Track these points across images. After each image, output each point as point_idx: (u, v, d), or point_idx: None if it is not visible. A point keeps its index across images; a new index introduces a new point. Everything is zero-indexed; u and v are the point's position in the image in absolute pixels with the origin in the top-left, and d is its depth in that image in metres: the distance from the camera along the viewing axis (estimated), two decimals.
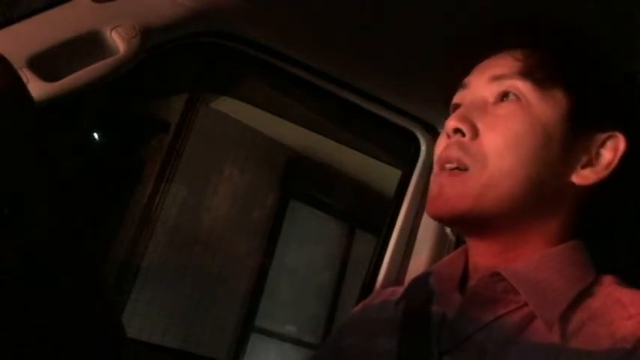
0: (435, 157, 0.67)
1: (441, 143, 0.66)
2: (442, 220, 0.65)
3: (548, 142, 0.61)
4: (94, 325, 0.42)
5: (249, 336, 3.48)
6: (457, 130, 0.63)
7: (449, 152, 0.63)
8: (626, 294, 0.56)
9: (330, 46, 1.07)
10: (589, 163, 0.62)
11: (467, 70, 0.68)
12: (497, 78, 0.64)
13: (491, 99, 0.64)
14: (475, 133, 0.62)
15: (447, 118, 0.70)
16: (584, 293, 0.58)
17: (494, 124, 0.62)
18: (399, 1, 0.93)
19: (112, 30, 0.88)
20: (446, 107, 0.72)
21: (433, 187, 0.65)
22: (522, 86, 0.62)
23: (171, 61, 1.02)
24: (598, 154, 0.62)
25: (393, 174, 1.36)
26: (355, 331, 0.75)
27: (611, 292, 0.57)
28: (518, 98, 0.62)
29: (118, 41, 0.88)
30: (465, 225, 0.66)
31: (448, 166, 0.63)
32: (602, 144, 0.62)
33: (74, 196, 0.42)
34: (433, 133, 1.22)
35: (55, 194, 0.41)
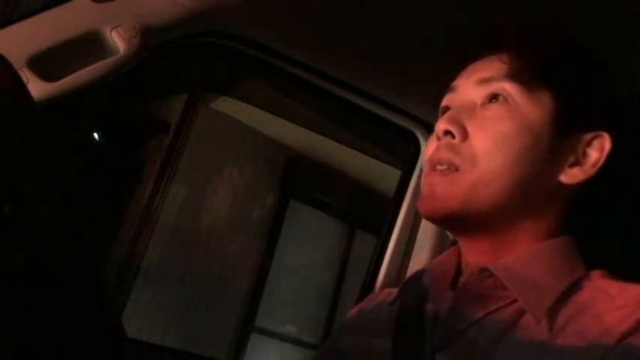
0: (425, 159, 0.68)
1: (431, 145, 0.67)
2: (434, 219, 0.66)
3: (536, 142, 0.62)
4: (94, 325, 0.42)
5: (249, 336, 3.48)
6: (447, 132, 0.64)
7: (439, 154, 0.64)
8: (613, 286, 0.57)
9: (330, 46, 1.07)
10: (576, 163, 0.63)
11: (455, 74, 0.70)
12: (484, 81, 0.65)
13: (479, 101, 0.65)
14: (465, 135, 0.63)
15: None
16: (573, 287, 0.58)
17: (483, 125, 0.63)
18: (399, 1, 0.93)
19: (112, 30, 0.88)
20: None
21: (424, 187, 0.65)
22: (510, 88, 0.63)
23: (171, 61, 1.02)
24: (585, 154, 0.63)
25: (393, 174, 1.37)
26: (354, 332, 0.75)
27: (598, 286, 0.58)
28: (505, 100, 0.63)
29: (118, 41, 0.88)
30: (456, 224, 0.66)
31: (439, 167, 0.64)
32: (589, 143, 0.63)
33: (74, 196, 0.42)
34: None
35: (56, 194, 0.41)
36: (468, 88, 0.67)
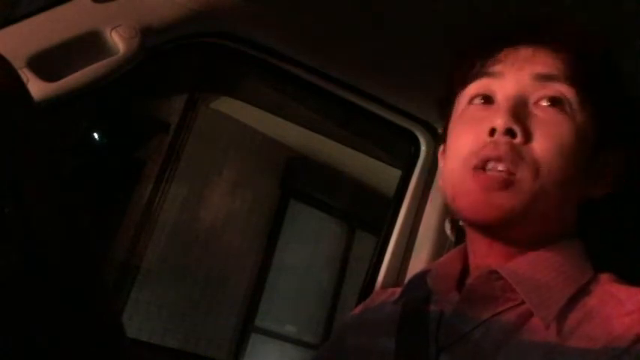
0: (469, 153, 0.59)
1: (471, 138, 0.60)
2: (481, 224, 0.60)
3: (584, 155, 0.59)
4: (94, 325, 0.42)
5: (249, 336, 3.49)
6: (509, 131, 0.57)
7: (498, 152, 0.57)
8: (622, 291, 0.56)
9: (330, 46, 1.07)
10: (599, 179, 0.62)
11: (495, 56, 0.63)
12: (543, 77, 0.60)
13: (533, 99, 0.60)
14: (528, 137, 0.57)
15: (447, 118, 0.69)
16: (582, 291, 0.57)
17: (546, 130, 0.58)
18: (400, 1, 0.93)
19: (112, 30, 0.88)
20: (448, 99, 0.68)
21: (474, 187, 0.58)
22: (570, 93, 0.59)
23: (171, 61, 1.01)
24: (606, 169, 0.62)
25: (393, 174, 1.37)
26: (356, 332, 0.75)
27: (607, 290, 0.57)
28: (565, 105, 0.59)
29: (118, 41, 0.88)
30: (496, 231, 0.61)
31: (499, 167, 0.57)
32: (611, 159, 0.62)
33: (74, 196, 0.42)
34: (433, 133, 1.22)
35: (56, 194, 0.41)
36: (522, 81, 0.60)
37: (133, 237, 3.05)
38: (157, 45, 0.94)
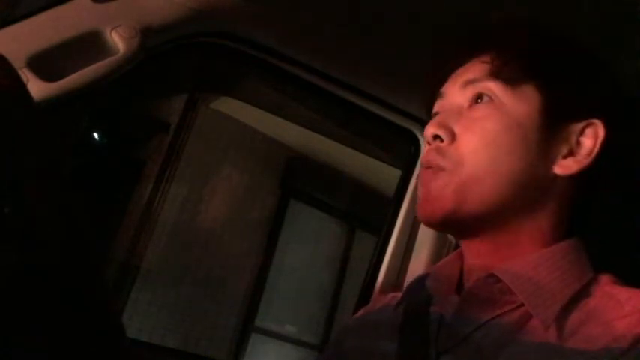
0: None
1: (425, 149, 0.68)
2: (432, 222, 0.65)
3: (524, 137, 0.62)
4: (94, 325, 0.43)
5: (249, 336, 3.49)
6: (436, 137, 0.65)
7: (428, 157, 0.65)
8: (622, 292, 0.56)
9: (330, 46, 1.07)
10: (570, 153, 0.62)
11: (443, 80, 0.70)
12: (469, 82, 0.66)
13: (465, 103, 0.66)
14: (452, 138, 0.64)
15: None
16: (581, 293, 0.58)
17: (470, 126, 0.63)
18: (399, 1, 0.93)
19: (112, 30, 0.88)
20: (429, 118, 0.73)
21: (420, 188, 0.67)
22: (494, 87, 0.63)
23: (171, 61, 1.02)
24: (578, 143, 0.63)
25: (393, 174, 1.37)
26: (357, 335, 0.75)
27: (607, 291, 0.57)
28: (491, 99, 0.63)
29: (118, 41, 0.88)
30: (454, 226, 0.66)
31: (428, 169, 0.65)
32: (581, 132, 0.63)
33: (74, 196, 0.42)
34: None
35: (56, 194, 0.41)
36: (454, 92, 0.67)
37: (133, 237, 3.05)
38: (157, 45, 0.94)
